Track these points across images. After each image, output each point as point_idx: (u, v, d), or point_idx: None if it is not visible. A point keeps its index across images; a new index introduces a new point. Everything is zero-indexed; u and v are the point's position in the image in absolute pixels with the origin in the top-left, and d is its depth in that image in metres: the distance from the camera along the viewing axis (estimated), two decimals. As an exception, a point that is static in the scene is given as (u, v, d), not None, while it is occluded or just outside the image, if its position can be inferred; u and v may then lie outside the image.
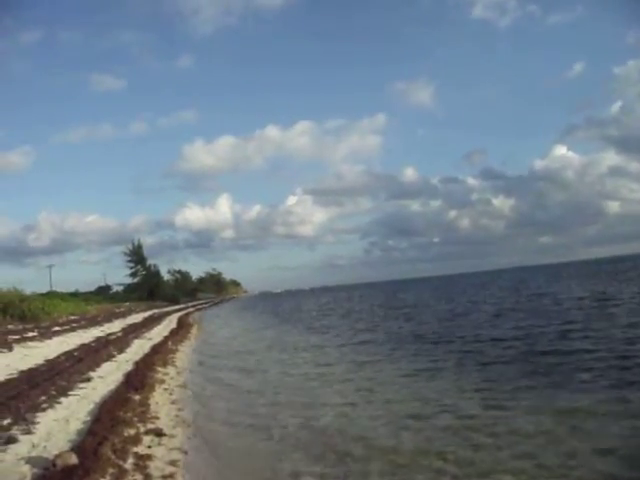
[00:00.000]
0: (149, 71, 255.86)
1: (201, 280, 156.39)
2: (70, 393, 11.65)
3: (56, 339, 24.34)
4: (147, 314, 54.48)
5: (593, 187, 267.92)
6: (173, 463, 7.54)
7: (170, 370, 16.50)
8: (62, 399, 11.02)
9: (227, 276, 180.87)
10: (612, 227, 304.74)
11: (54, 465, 6.70)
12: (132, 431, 8.79)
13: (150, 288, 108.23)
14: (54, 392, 11.60)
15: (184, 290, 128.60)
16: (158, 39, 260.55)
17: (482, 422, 9.19)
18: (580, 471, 6.84)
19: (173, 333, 29.81)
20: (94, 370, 15.04)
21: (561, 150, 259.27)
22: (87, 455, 7.03)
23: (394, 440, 8.61)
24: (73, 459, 6.82)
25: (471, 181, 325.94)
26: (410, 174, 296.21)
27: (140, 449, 7.97)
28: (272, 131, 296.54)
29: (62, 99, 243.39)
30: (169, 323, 40.20)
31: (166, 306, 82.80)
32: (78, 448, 7.40)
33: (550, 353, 14.95)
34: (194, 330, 34.42)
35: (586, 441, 7.80)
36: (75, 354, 18.74)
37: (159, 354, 19.34)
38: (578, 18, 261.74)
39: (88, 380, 13.39)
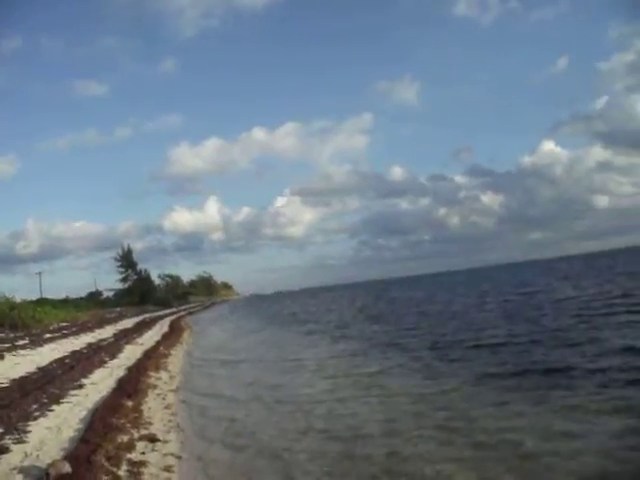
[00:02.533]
0: (132, 75, 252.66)
1: (192, 283, 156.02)
2: (62, 401, 11.60)
3: (47, 346, 24.22)
4: (139, 319, 54.25)
5: (581, 182, 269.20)
6: (168, 469, 7.55)
7: (163, 375, 16.48)
8: (54, 407, 10.96)
9: (218, 279, 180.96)
10: (601, 221, 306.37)
11: (47, 474, 6.67)
12: (125, 437, 8.79)
13: (141, 293, 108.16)
14: (46, 400, 11.54)
15: (175, 294, 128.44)
16: (140, 43, 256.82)
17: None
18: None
19: (165, 337, 29.76)
20: (86, 377, 14.97)
21: (549, 145, 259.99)
22: (80, 463, 7.01)
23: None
24: (66, 468, 6.79)
25: (459, 178, 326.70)
26: (398, 173, 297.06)
27: (134, 455, 7.97)
28: (258, 133, 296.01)
29: (45, 106, 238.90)
30: (161, 327, 40.08)
31: (158, 310, 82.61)
32: (71, 456, 7.37)
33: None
34: (186, 334, 34.40)
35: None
36: (67, 361, 18.65)
37: (151, 359, 19.29)
38: (560, 13, 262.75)
39: (80, 387, 13.34)
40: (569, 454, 7.34)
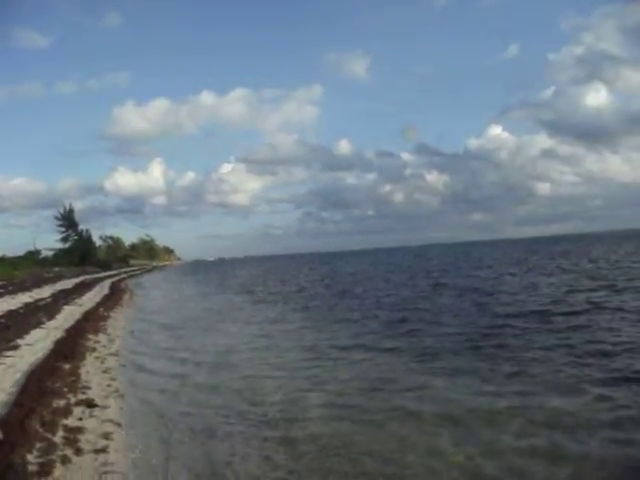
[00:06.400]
0: (76, 28, 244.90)
1: (134, 246, 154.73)
2: (-5, 362, 11.16)
3: (-19, 305, 23.41)
4: (78, 280, 53.08)
5: (525, 168, 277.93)
6: (106, 436, 7.29)
7: (102, 338, 16.10)
8: (-14, 368, 10.53)
9: (160, 243, 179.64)
10: (541, 208, 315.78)
11: (-24, 440, 6.36)
12: (62, 402, 8.50)
13: (81, 254, 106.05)
14: (-23, 361, 11.09)
15: (116, 256, 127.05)
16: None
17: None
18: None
19: (105, 300, 29.20)
20: (22, 337, 14.44)
21: (496, 130, 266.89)
22: (13, 429, 6.72)
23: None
24: (-2, 433, 6.50)
25: (406, 156, 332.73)
26: (345, 146, 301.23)
27: (70, 421, 7.70)
28: (207, 97, 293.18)
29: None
30: (101, 289, 39.35)
31: (98, 272, 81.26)
32: (3, 421, 7.06)
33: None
34: (126, 297, 33.86)
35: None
36: (2, 321, 18.03)
37: (90, 321, 18.87)
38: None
39: (15, 348, 12.84)
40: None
